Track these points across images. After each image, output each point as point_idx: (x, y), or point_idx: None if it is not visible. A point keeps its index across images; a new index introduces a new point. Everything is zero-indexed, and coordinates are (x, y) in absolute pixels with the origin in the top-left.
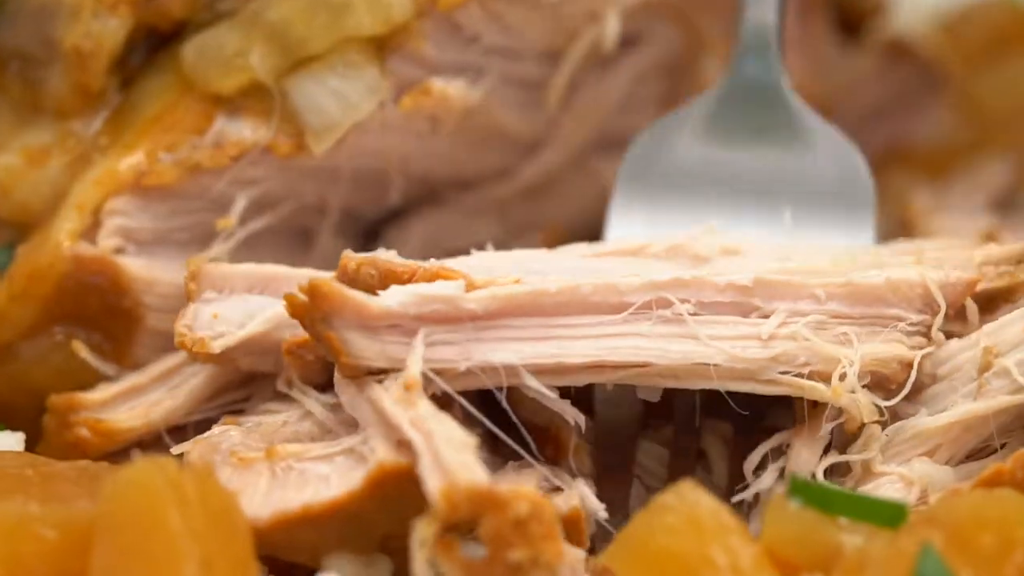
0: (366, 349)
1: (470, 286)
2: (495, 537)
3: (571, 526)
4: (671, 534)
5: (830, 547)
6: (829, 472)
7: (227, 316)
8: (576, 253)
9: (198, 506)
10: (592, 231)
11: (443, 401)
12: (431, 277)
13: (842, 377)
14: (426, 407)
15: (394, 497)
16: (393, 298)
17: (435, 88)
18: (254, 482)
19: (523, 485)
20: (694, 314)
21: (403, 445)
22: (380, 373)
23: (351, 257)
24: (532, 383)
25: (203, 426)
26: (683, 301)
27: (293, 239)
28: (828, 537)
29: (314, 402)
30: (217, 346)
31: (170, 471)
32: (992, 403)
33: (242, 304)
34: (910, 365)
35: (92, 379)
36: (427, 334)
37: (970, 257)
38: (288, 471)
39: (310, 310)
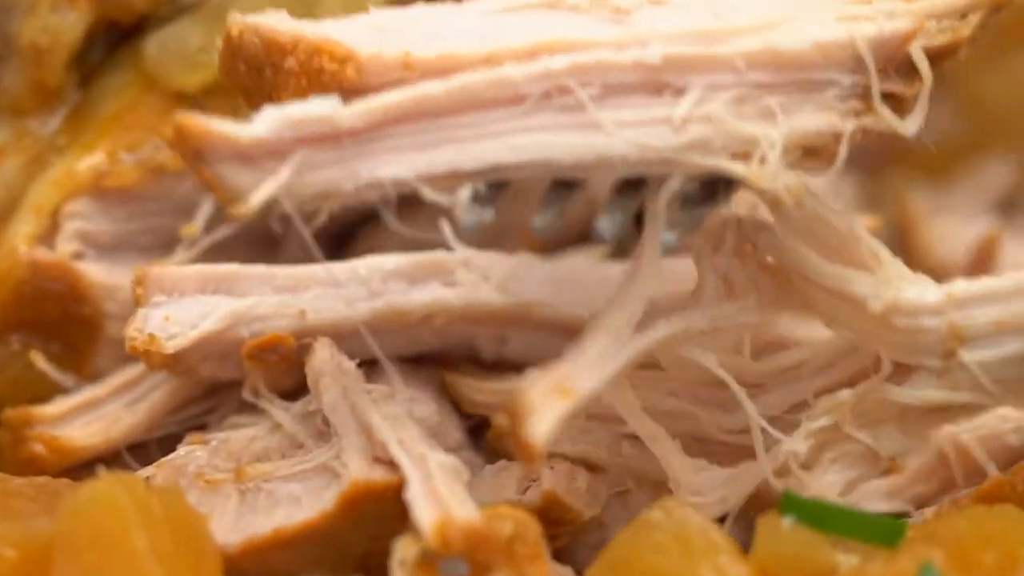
0: (242, 180)
1: (351, 86)
2: (478, 557)
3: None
4: (658, 552)
5: (825, 566)
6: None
7: (179, 318)
8: (482, 9)
9: (164, 526)
10: (576, 236)
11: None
12: (313, 50)
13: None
14: (416, 430)
15: (370, 515)
16: (263, 125)
17: None
18: (222, 505)
19: (503, 489)
20: (600, 98)
21: (379, 461)
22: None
23: (233, 22)
24: (427, 194)
25: (166, 442)
26: (585, 86)
27: (260, 245)
28: (823, 556)
29: (282, 413)
30: (171, 345)
31: (137, 489)
32: (955, 397)
33: (194, 305)
34: (841, 136)
35: (51, 390)
36: (307, 156)
37: (909, 10)
38: (257, 492)
39: (182, 148)
